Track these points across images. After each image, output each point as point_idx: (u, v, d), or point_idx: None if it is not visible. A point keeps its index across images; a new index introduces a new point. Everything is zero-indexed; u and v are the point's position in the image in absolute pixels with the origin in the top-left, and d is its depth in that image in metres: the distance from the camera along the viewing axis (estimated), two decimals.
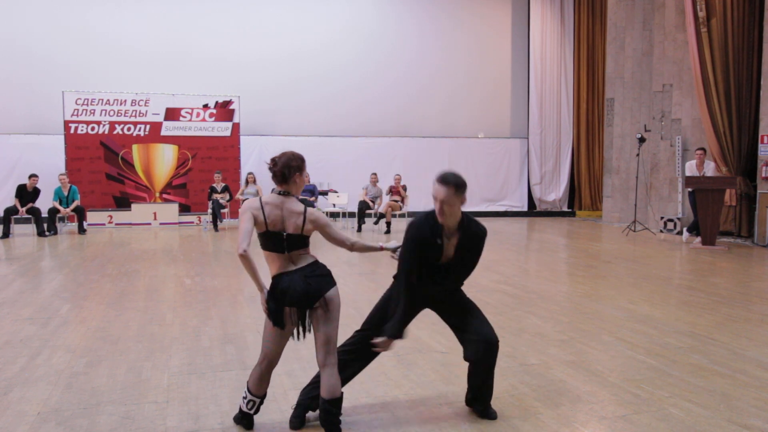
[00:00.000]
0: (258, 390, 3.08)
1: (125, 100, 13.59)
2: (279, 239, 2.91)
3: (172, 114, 13.86)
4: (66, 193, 12.09)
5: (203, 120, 14.01)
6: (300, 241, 2.96)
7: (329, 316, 2.94)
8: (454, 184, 2.92)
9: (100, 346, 4.48)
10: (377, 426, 3.16)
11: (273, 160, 3.00)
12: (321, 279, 2.94)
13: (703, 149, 10.70)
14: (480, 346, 3.09)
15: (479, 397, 3.26)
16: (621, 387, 3.68)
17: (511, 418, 3.24)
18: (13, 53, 13.68)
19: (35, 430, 3.08)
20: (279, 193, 2.98)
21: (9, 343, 4.53)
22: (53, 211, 11.82)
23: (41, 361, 4.12)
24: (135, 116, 13.66)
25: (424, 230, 3.03)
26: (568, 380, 3.80)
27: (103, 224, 13.05)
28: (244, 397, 3.09)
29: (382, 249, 3.24)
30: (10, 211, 11.44)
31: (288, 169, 2.95)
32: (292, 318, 2.96)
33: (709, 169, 10.48)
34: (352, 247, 3.14)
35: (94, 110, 13.43)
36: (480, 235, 3.10)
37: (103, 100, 13.46)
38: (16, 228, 11.73)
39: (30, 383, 3.72)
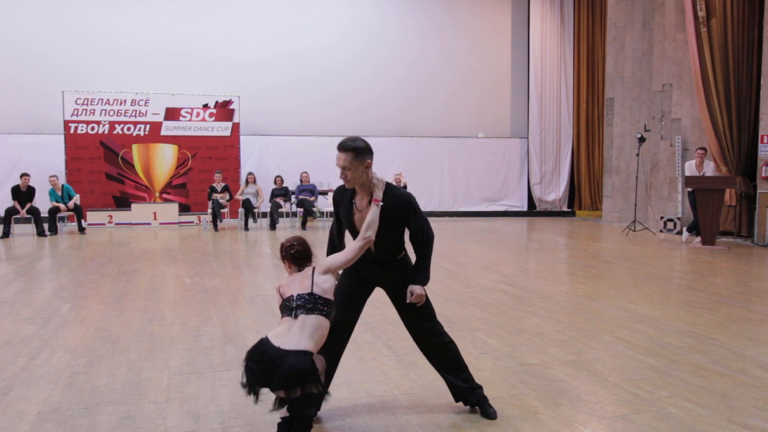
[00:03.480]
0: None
1: (125, 100, 13.59)
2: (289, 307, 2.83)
3: (172, 114, 13.87)
4: (60, 194, 12.09)
5: (203, 120, 14.01)
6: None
7: None
8: (351, 149, 2.96)
9: (100, 346, 4.48)
10: (377, 426, 3.16)
11: (291, 245, 2.94)
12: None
13: (704, 149, 10.69)
14: (418, 339, 3.29)
15: (454, 387, 3.30)
16: (621, 387, 3.68)
17: (511, 418, 3.24)
18: (13, 53, 13.69)
19: (35, 429, 3.08)
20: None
21: (9, 343, 4.53)
22: (54, 211, 11.82)
23: (41, 361, 4.12)
24: (135, 116, 13.66)
25: (339, 193, 3.20)
26: (568, 380, 3.79)
27: (103, 224, 13.05)
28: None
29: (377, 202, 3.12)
30: (11, 212, 11.45)
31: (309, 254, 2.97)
32: None
33: (709, 169, 10.48)
34: (367, 241, 2.97)
35: (94, 110, 13.44)
36: (399, 201, 3.07)
37: (103, 100, 13.47)
38: (16, 228, 11.73)
39: (30, 383, 3.72)
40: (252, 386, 2.61)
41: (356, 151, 2.96)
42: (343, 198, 3.17)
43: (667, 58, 12.72)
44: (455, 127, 16.23)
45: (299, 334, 2.64)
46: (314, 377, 2.60)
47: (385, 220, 3.02)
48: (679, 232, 11.72)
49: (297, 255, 2.93)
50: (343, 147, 2.97)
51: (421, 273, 3.14)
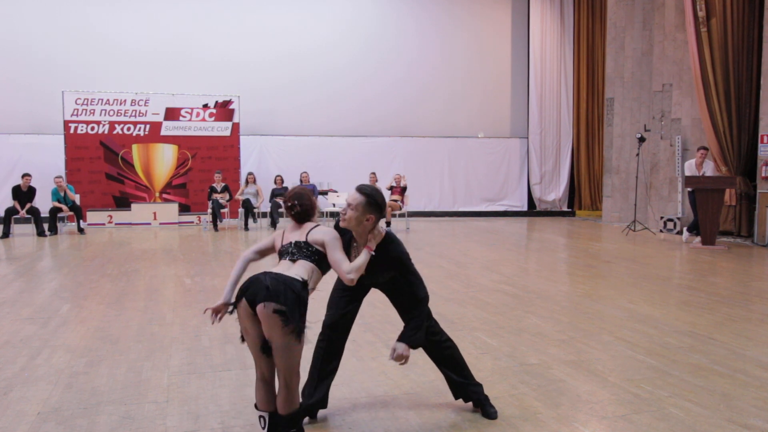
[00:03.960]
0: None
1: (125, 100, 13.59)
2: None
3: (171, 114, 13.87)
4: (63, 195, 12.08)
5: (203, 120, 14.01)
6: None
7: None
8: (366, 195, 2.95)
9: (100, 346, 4.48)
10: (377, 426, 3.16)
11: (293, 205, 3.02)
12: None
13: (706, 148, 10.68)
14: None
15: (453, 383, 3.31)
16: (621, 387, 3.68)
17: (511, 418, 3.24)
18: (13, 53, 13.68)
19: (35, 429, 3.08)
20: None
21: (9, 343, 4.53)
22: (54, 211, 11.82)
23: (41, 361, 4.12)
24: (135, 116, 13.66)
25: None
26: (568, 380, 3.79)
27: (103, 224, 13.05)
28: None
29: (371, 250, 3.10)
30: (11, 212, 11.45)
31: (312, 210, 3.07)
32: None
33: (709, 169, 10.48)
34: (349, 281, 2.92)
35: (94, 110, 13.44)
36: (390, 257, 3.03)
37: (103, 100, 13.47)
38: (16, 228, 11.73)
39: (30, 383, 3.72)
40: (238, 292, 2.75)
41: (369, 199, 2.95)
42: (345, 233, 3.13)
43: (667, 58, 12.72)
44: (455, 127, 16.23)
45: (296, 272, 2.81)
46: (294, 298, 2.66)
47: (375, 267, 3.01)
48: (679, 232, 11.71)
49: (296, 216, 3.05)
50: (359, 189, 3.00)
51: (410, 331, 2.99)
